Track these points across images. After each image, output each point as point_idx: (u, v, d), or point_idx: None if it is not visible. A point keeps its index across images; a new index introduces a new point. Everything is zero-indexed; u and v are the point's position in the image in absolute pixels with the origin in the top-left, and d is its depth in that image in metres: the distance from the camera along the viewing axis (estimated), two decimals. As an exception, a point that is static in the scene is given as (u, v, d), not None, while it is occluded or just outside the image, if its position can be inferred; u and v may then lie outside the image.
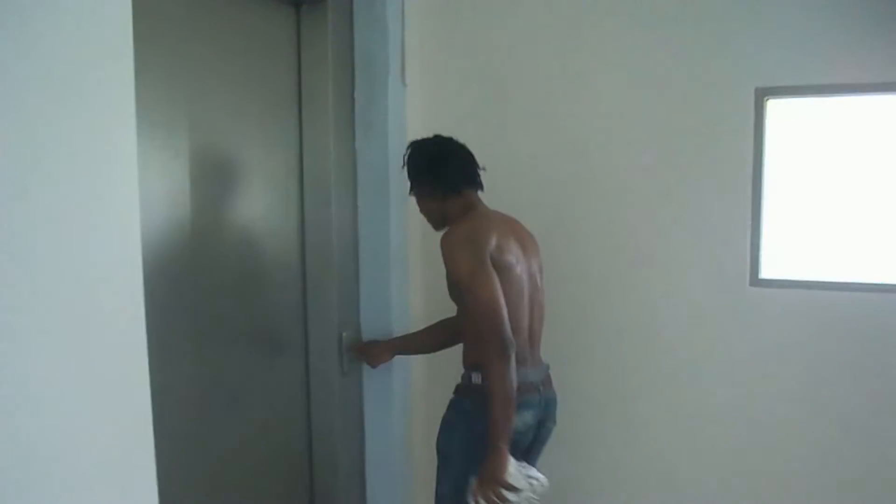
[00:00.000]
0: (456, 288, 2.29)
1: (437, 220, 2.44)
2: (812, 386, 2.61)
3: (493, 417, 2.15)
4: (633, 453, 2.86)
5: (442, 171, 2.37)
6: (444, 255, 2.27)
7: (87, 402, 1.32)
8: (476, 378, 2.31)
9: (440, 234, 2.38)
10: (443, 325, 2.63)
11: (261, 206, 2.36)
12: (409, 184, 2.46)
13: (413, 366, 2.84)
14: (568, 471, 2.93)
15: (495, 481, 2.16)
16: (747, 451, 2.71)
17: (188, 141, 2.01)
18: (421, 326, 2.81)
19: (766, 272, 2.64)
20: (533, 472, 2.26)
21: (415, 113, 2.76)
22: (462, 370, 2.40)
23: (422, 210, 2.48)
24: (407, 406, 2.80)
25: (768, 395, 2.66)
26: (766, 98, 2.57)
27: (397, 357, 2.69)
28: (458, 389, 2.40)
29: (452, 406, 2.39)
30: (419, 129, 2.58)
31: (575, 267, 2.84)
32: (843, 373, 2.57)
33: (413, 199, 2.51)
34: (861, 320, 2.54)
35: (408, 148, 2.43)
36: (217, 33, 2.16)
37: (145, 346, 1.44)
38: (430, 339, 2.66)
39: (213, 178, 2.14)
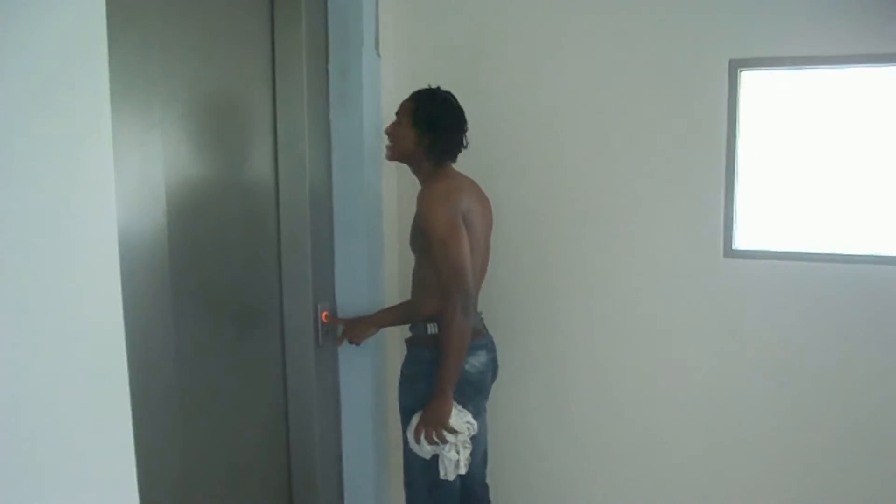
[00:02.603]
0: (427, 240, 2.39)
1: (402, 154, 2.51)
2: (785, 356, 2.64)
3: (446, 365, 2.34)
4: (605, 423, 2.89)
5: (449, 137, 2.47)
6: (422, 207, 2.40)
7: (62, 379, 1.30)
8: (432, 329, 2.47)
9: (414, 203, 2.44)
10: None
11: (235, 179, 2.34)
12: (406, 112, 2.49)
13: (388, 338, 2.84)
14: (540, 440, 2.96)
15: (439, 423, 2.36)
16: (720, 422, 2.74)
17: (161, 115, 1.99)
18: (396, 297, 2.82)
19: (739, 243, 2.66)
20: (469, 417, 2.43)
21: (389, 85, 2.75)
22: (413, 322, 2.56)
23: (396, 136, 2.50)
24: (382, 378, 2.81)
25: (741, 366, 2.68)
26: (740, 70, 2.58)
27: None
28: (413, 342, 2.56)
29: (410, 360, 2.55)
30: (394, 101, 2.57)
31: (547, 236, 2.85)
32: (817, 343, 2.60)
33: (385, 155, 2.58)
34: (835, 291, 2.57)
35: (428, 92, 2.49)
36: (190, 5, 2.13)
37: (122, 322, 1.43)
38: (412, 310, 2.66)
39: (186, 153, 2.12)
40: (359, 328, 2.64)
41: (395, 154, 2.52)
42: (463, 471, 2.44)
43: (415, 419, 2.42)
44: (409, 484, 2.56)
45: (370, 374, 2.74)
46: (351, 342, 2.65)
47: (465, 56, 2.86)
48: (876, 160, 2.52)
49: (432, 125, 2.45)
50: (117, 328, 1.42)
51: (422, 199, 2.42)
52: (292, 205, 2.48)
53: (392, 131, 2.51)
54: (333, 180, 2.65)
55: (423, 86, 2.51)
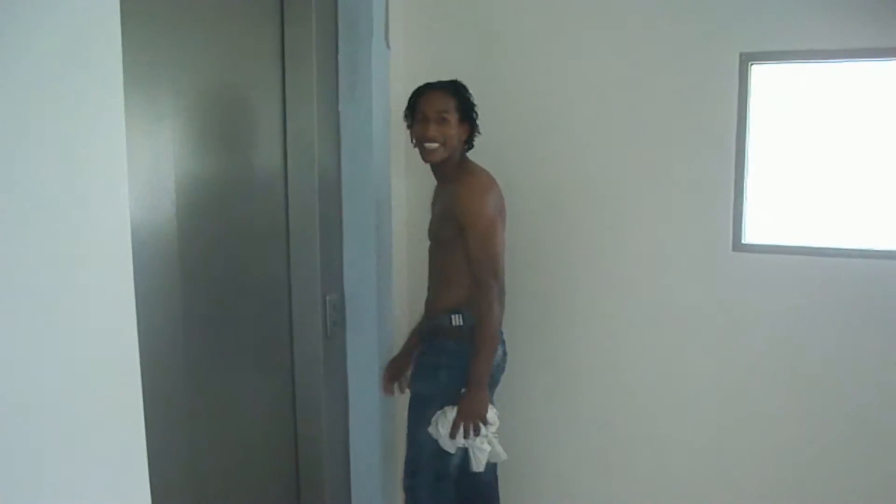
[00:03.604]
0: (459, 231, 2.40)
1: (449, 153, 2.45)
2: (795, 352, 2.63)
3: (482, 358, 2.39)
4: (612, 416, 2.89)
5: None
6: (464, 200, 2.40)
7: (74, 374, 1.31)
8: (456, 320, 2.48)
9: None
10: None
11: (244, 169, 2.35)
12: (451, 109, 2.46)
13: (395, 328, 2.85)
14: (548, 433, 2.97)
15: (479, 416, 2.41)
16: (728, 416, 2.74)
17: (172, 105, 2.00)
18: (404, 287, 2.83)
19: (749, 237, 2.65)
20: (495, 409, 2.50)
21: (398, 76, 2.75)
22: (434, 313, 2.55)
23: (448, 136, 2.44)
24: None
25: (750, 360, 2.68)
26: (750, 63, 2.56)
27: (380, 319, 2.71)
28: (436, 332, 2.54)
29: (432, 350, 2.55)
30: (403, 93, 2.57)
31: (555, 229, 2.84)
32: (826, 338, 2.59)
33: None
34: (845, 286, 2.56)
35: (459, 83, 2.50)
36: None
37: (134, 315, 1.43)
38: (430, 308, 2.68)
39: (195, 143, 2.12)
40: (394, 369, 2.73)
41: (444, 154, 2.45)
42: (495, 460, 2.51)
43: (450, 414, 2.43)
44: (413, 473, 2.57)
45: (378, 365, 2.75)
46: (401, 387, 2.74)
47: (474, 48, 2.85)
48: (887, 155, 2.50)
49: (472, 114, 2.49)
50: (130, 321, 1.43)
51: (463, 192, 2.42)
52: (301, 195, 2.49)
53: (441, 133, 2.43)
54: (342, 171, 2.65)
55: (434, 77, 2.50)
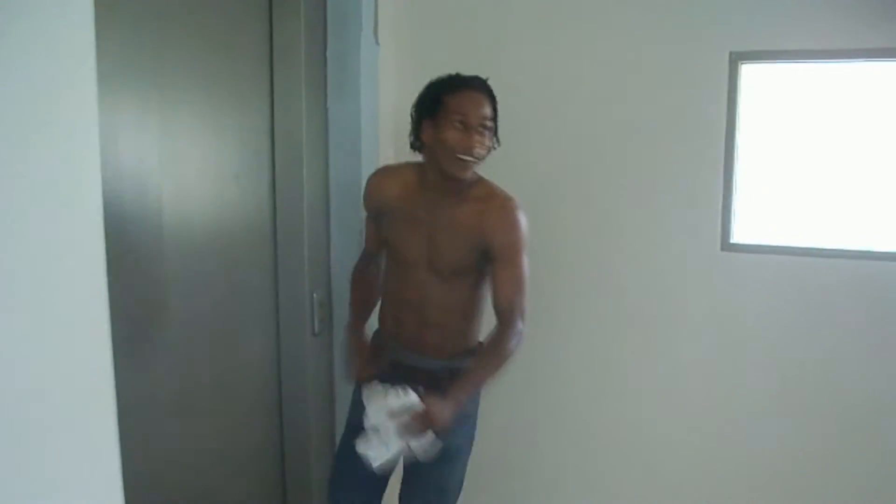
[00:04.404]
0: (485, 257, 2.16)
1: (475, 167, 2.17)
2: (782, 351, 2.63)
3: (479, 379, 2.20)
4: (600, 419, 2.89)
5: None
6: (507, 226, 2.13)
7: (44, 370, 1.30)
8: (470, 361, 2.24)
9: None
10: (365, 280, 2.47)
11: (232, 166, 2.33)
12: (492, 119, 2.19)
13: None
14: (535, 437, 2.96)
15: (439, 423, 2.10)
16: (717, 416, 2.74)
17: (156, 101, 1.99)
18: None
19: (737, 237, 2.64)
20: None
21: (388, 73, 2.74)
22: (448, 355, 2.26)
23: (486, 148, 2.15)
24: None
25: (738, 360, 2.68)
26: (740, 62, 2.56)
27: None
28: (451, 377, 2.21)
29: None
30: (392, 90, 2.56)
31: (542, 229, 2.81)
32: (814, 338, 2.60)
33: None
34: (833, 286, 2.56)
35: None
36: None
37: (107, 315, 1.42)
38: (369, 302, 2.48)
39: (182, 140, 2.11)
40: (355, 358, 2.39)
41: (472, 168, 2.15)
42: (373, 462, 2.19)
43: (409, 397, 2.14)
44: None
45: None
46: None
47: (464, 45, 2.84)
48: (875, 155, 2.50)
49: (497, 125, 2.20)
50: (102, 317, 1.41)
51: (501, 217, 2.13)
52: (289, 192, 2.48)
53: (484, 146, 2.13)
54: (330, 168, 2.64)
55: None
